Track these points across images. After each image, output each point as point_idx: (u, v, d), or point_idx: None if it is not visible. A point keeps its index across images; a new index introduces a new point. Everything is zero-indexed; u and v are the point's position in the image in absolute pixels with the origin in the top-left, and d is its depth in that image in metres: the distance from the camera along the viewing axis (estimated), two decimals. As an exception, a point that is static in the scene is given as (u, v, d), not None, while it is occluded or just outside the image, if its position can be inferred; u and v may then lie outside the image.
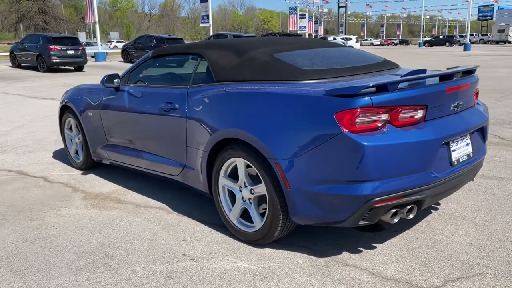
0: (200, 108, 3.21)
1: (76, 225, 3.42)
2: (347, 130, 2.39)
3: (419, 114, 2.55)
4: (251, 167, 2.88)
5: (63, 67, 19.89)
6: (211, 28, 29.47)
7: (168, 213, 3.59)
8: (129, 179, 4.50)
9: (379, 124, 2.44)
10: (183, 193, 4.03)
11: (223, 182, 3.11)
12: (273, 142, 2.64)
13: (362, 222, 2.52)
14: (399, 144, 2.42)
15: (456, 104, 2.76)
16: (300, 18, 45.57)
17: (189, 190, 4.02)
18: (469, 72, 2.96)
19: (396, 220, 2.57)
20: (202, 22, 29.52)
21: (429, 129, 2.56)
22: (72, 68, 20.15)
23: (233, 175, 3.07)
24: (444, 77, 2.74)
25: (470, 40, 45.56)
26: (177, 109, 3.40)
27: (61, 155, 5.50)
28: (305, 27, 45.86)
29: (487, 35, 69.41)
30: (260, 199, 2.96)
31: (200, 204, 3.76)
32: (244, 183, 2.97)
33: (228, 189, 3.12)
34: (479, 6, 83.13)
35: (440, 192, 2.68)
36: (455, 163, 2.71)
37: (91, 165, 4.82)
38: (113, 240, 3.13)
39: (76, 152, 5.00)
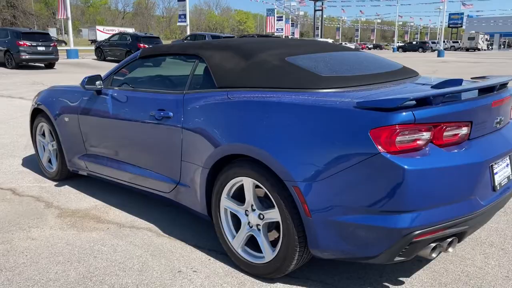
0: (198, 118, 2.79)
1: (50, 251, 2.93)
2: (384, 151, 2.01)
3: (464, 131, 2.20)
4: (261, 187, 2.48)
5: (33, 63, 18.96)
6: (188, 28, 28.87)
7: (158, 236, 3.14)
8: (109, 193, 4.01)
9: (421, 144, 2.08)
10: (172, 211, 3.59)
11: (226, 204, 2.69)
12: (291, 161, 2.24)
13: (397, 259, 2.15)
14: (443, 168, 2.06)
15: (498, 120, 2.43)
16: (277, 20, 45.41)
17: (179, 208, 3.59)
18: (504, 84, 2.64)
19: (435, 255, 2.21)
20: (179, 21, 28.89)
21: (474, 149, 2.21)
22: (42, 65, 19.25)
23: (238, 196, 2.66)
24: (485, 90, 2.40)
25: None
26: (170, 117, 2.96)
27: (31, 163, 4.96)
28: (282, 29, 45.71)
29: (457, 42, 70.99)
30: (270, 225, 2.56)
31: (193, 225, 3.32)
32: (252, 206, 2.56)
33: (231, 212, 2.71)
34: (449, 13, 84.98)
35: (481, 221, 2.35)
36: (498, 188, 2.38)
37: (66, 176, 4.31)
38: (95, 271, 2.66)
39: (49, 161, 4.47)
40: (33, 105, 4.43)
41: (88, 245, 3.01)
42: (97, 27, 57.54)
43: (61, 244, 3.03)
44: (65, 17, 24.62)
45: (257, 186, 2.52)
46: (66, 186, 4.23)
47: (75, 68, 19.13)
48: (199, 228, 3.26)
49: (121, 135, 3.40)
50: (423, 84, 2.74)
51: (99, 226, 3.33)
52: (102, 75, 3.67)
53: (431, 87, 2.51)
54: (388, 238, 2.07)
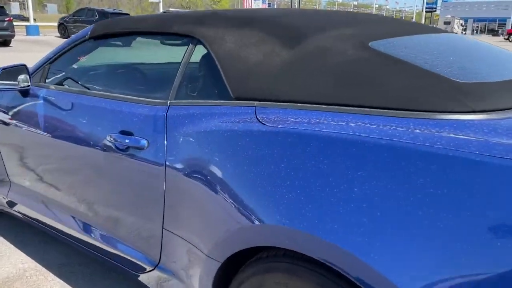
0: (197, 153, 1.46)
1: None
2: None
3: None
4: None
5: (-15, 40, 16.93)
6: (160, 5, 27.02)
7: None
8: (48, 245, 2.65)
9: None
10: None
11: (252, 328, 1.39)
12: (414, 275, 0.96)
13: None
14: None
15: None
16: (254, 0, 43.65)
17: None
18: None
19: None
20: (151, -3, 26.96)
21: None
22: (-4, 42, 17.25)
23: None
24: None
25: (421, 31, 45.69)
26: (143, 148, 1.62)
27: None
28: (259, 9, 44.00)
29: (433, 26, 71.02)
30: None
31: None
32: None
33: None
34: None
35: None
36: None
37: (-14, 211, 2.91)
38: None
39: (-38, 187, 3.05)
40: None
41: None
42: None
43: None
44: (24, -11, 22.40)
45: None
46: (-15, 228, 2.84)
47: (34, 46, 17.17)
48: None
49: (59, 165, 2.04)
50: None
51: (22, 321, 1.98)
52: (30, 66, 2.28)
53: None
54: None
